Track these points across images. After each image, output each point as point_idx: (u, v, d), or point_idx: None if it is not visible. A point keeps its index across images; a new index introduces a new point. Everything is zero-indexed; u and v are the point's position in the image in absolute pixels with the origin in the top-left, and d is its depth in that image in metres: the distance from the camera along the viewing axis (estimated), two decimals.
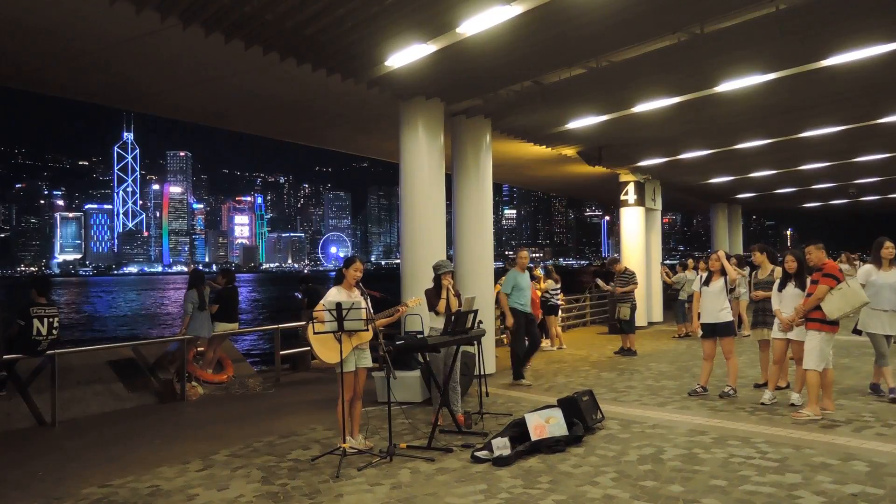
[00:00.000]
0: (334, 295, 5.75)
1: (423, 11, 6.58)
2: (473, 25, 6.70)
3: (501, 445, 5.45)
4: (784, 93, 9.64)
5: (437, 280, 6.96)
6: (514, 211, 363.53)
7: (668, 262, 17.89)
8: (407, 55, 7.53)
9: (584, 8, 6.62)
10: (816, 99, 10.20)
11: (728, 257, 8.08)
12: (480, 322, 7.00)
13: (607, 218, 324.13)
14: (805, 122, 11.64)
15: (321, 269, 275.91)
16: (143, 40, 7.11)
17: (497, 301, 9.58)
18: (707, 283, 7.86)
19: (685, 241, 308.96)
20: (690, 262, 14.61)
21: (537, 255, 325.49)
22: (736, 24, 7.01)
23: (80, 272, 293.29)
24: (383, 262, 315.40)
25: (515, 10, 6.37)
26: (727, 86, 9.08)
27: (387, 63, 7.79)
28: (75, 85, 9.14)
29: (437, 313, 6.86)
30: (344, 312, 5.42)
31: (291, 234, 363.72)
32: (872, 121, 11.47)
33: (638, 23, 7.09)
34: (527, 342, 9.07)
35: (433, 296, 6.93)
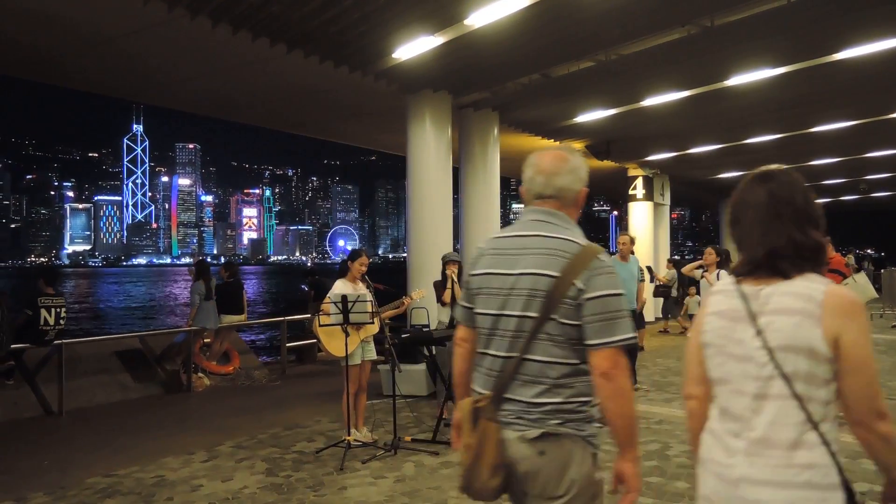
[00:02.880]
0: (340, 288, 5.73)
1: (430, 2, 6.55)
2: (481, 17, 6.67)
3: None
4: (795, 87, 9.55)
5: (442, 270, 6.95)
6: (522, 205, 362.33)
7: (675, 257, 17.83)
8: (414, 47, 7.50)
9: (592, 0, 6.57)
10: (827, 93, 10.11)
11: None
12: None
13: (615, 213, 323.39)
14: (816, 116, 11.54)
15: (328, 262, 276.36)
16: (150, 31, 7.11)
17: None
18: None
19: (693, 236, 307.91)
20: None
21: None
22: (746, 16, 6.94)
23: (90, 263, 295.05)
24: (391, 256, 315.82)
25: (523, 1, 6.33)
26: (737, 79, 9.00)
27: (394, 55, 7.76)
28: (84, 76, 9.16)
29: (443, 304, 6.84)
30: (349, 305, 5.41)
31: (299, 227, 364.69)
32: (884, 115, 11.36)
33: (647, 15, 7.03)
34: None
35: (440, 287, 6.90)
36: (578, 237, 1.96)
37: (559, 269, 1.88)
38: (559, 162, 2.05)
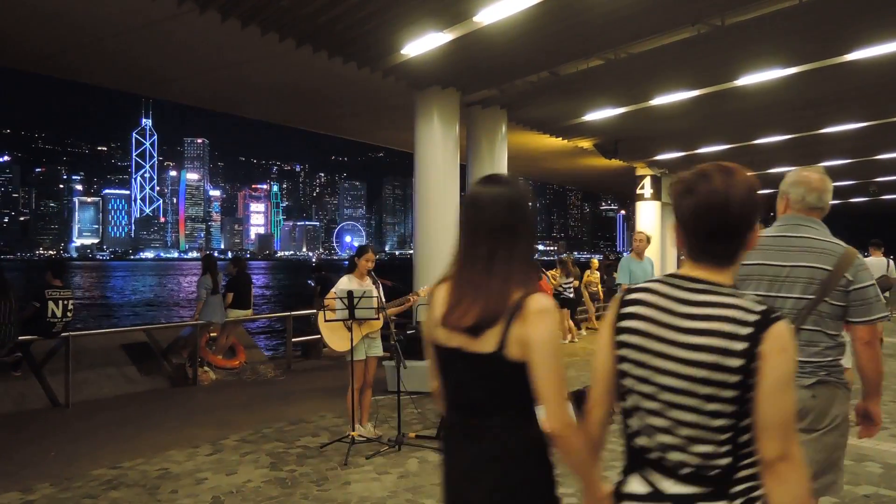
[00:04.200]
0: (345, 283, 5.74)
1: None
2: (490, 14, 6.65)
3: None
4: (805, 88, 9.50)
5: None
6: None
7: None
8: (423, 44, 7.49)
9: None
10: (838, 94, 10.05)
11: None
12: None
13: (623, 212, 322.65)
14: (826, 117, 11.47)
15: (335, 258, 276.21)
16: (160, 25, 7.13)
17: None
18: None
19: None
20: None
21: (552, 248, 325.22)
22: (757, 16, 6.91)
23: (98, 256, 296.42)
24: (397, 252, 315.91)
25: None
26: (747, 79, 8.96)
27: (403, 52, 7.76)
28: (94, 70, 9.20)
29: None
30: (355, 301, 5.42)
31: (306, 223, 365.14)
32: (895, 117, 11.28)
33: (657, 14, 7.00)
34: None
35: None
36: (838, 240, 2.59)
37: (832, 265, 2.51)
38: (826, 182, 2.68)
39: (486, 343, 1.64)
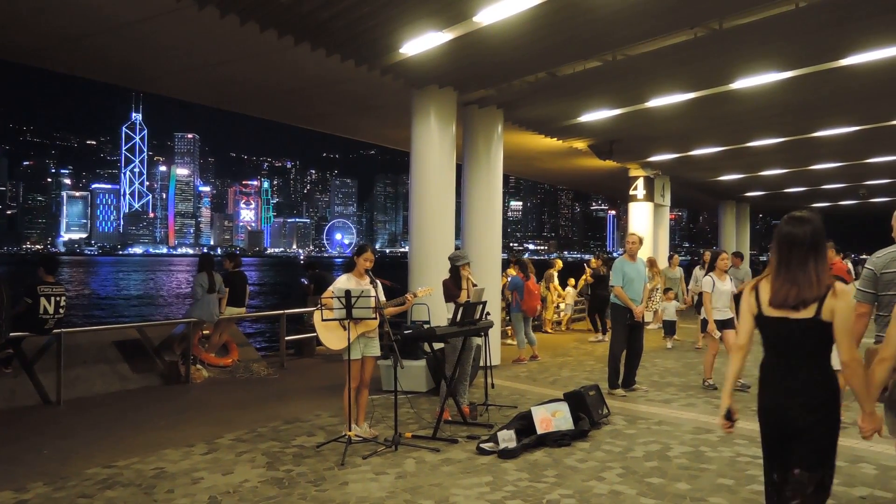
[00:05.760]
0: (343, 282, 5.74)
1: None
2: (490, 15, 6.63)
3: (507, 438, 5.44)
4: (800, 91, 9.54)
5: (455, 271, 6.89)
6: (520, 202, 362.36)
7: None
8: (422, 43, 7.47)
9: (602, 0, 6.55)
10: (832, 98, 10.10)
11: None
12: (488, 313, 6.96)
13: (613, 212, 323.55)
14: (819, 121, 11.54)
15: (325, 255, 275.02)
16: (158, 20, 7.07)
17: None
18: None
19: (691, 237, 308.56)
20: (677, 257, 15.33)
21: (542, 247, 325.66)
22: (755, 20, 6.93)
23: (86, 251, 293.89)
24: (387, 251, 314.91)
25: (533, 0, 6.31)
26: (743, 83, 8.99)
27: (401, 50, 7.73)
28: (87, 64, 9.11)
29: (457, 304, 6.78)
30: (353, 300, 5.41)
31: (297, 220, 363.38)
32: (888, 122, 11.36)
33: (656, 17, 7.00)
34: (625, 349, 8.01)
35: (452, 287, 6.85)
36: None
37: None
38: None
39: (807, 312, 2.68)
